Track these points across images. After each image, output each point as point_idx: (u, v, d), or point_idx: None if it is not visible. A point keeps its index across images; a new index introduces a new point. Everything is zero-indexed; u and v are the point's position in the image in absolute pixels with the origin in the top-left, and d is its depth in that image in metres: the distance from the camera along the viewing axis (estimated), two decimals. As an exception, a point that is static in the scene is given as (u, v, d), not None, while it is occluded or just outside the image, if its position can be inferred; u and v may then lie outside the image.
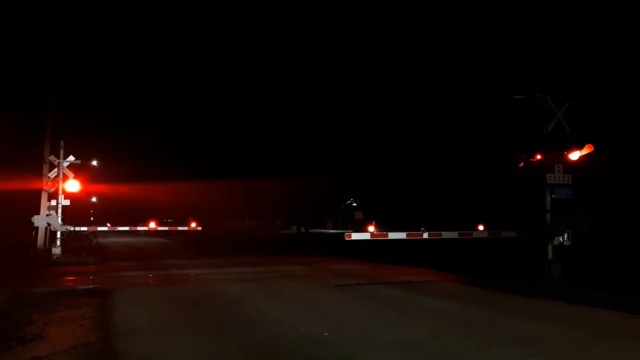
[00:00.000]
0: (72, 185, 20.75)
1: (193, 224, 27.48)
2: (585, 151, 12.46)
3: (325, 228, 65.53)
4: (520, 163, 13.01)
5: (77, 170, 21.65)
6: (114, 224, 31.10)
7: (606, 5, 22.37)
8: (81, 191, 22.20)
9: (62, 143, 21.03)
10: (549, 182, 12.80)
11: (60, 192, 20.54)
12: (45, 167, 20.87)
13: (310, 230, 50.62)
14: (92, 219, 66.29)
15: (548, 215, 12.85)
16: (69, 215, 26.45)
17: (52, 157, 20.87)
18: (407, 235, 14.22)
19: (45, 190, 20.32)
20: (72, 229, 21.46)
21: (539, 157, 12.84)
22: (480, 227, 15.36)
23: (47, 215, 19.96)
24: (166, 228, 34.50)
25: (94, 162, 24.57)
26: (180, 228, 29.82)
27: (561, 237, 12.77)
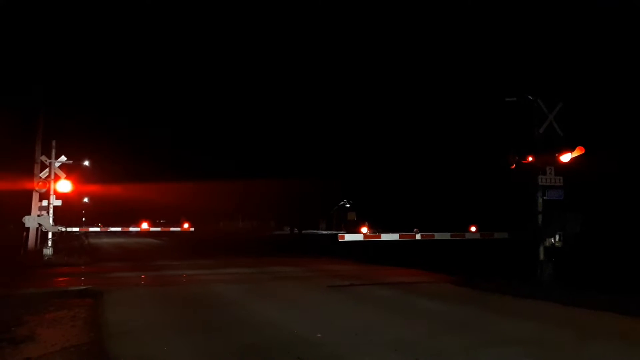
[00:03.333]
0: (64, 185, 20.59)
1: (186, 225, 27.33)
2: (576, 153, 12.54)
3: (318, 229, 65.46)
4: (512, 165, 13.07)
5: (68, 170, 21.50)
6: (106, 225, 30.86)
7: (599, 8, 22.56)
8: (73, 191, 22.03)
9: (53, 143, 20.86)
10: (540, 183, 12.87)
11: (51, 192, 20.39)
12: (37, 167, 20.72)
13: (303, 231, 50.55)
14: (83, 219, 65.71)
15: (539, 216, 12.92)
16: (60, 215, 26.21)
17: (43, 157, 20.71)
18: (400, 236, 14.26)
19: (36, 191, 20.18)
20: (63, 229, 21.29)
21: (530, 159, 12.90)
22: (473, 229, 15.41)
23: (39, 215, 19.82)
24: (159, 229, 34.31)
25: (86, 163, 24.37)
26: (172, 229, 29.64)
27: (553, 238, 12.84)
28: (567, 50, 23.09)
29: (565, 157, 12.67)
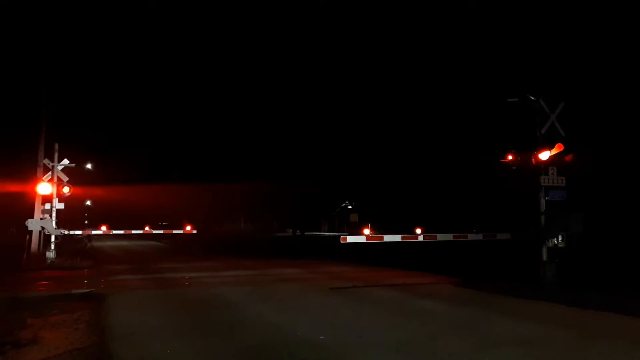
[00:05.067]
0: (66, 189, 20.66)
1: (188, 227, 27.35)
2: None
3: (320, 231, 65.42)
4: (514, 165, 13.04)
5: (71, 173, 21.57)
6: (109, 228, 30.92)
7: (601, 7, 22.54)
8: (75, 195, 22.11)
9: (56, 146, 20.93)
10: (542, 184, 12.85)
11: (54, 195, 20.44)
12: (40, 171, 20.78)
13: (305, 233, 50.54)
14: (86, 222, 65.85)
15: (542, 217, 12.89)
16: (63, 218, 26.32)
17: (46, 161, 20.77)
18: (402, 238, 14.24)
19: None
20: (66, 232, 21.34)
21: (532, 159, 12.84)
22: (475, 229, 15.42)
23: (41, 219, 19.85)
24: (161, 231, 34.32)
25: (89, 166, 24.49)
26: (175, 231, 29.65)
27: (555, 239, 12.82)
28: (569, 50, 23.07)
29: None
